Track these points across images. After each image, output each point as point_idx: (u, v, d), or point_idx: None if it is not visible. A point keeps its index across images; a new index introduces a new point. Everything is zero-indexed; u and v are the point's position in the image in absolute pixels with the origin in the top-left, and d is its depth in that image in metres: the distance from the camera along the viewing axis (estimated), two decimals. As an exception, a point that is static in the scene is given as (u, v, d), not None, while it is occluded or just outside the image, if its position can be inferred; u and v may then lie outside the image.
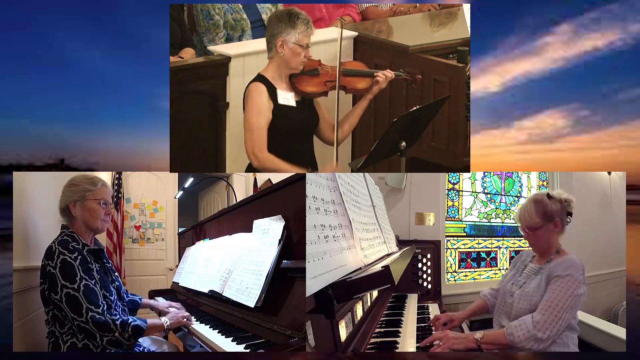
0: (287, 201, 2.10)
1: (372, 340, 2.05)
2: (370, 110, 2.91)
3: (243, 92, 2.60)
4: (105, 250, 2.17)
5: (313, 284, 1.32)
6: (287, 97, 2.57)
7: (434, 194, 4.02)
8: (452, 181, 4.31)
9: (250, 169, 2.61)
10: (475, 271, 4.44)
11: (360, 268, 1.64)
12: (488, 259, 4.57)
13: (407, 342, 2.06)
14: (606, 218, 5.16)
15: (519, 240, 4.83)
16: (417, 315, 2.66)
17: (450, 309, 3.23)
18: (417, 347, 1.99)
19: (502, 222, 4.74)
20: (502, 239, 4.70)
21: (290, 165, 2.53)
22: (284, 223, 2.09)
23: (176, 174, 5.94)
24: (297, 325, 1.74)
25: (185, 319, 2.22)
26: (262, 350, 1.76)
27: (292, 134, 2.59)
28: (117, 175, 5.43)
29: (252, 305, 1.98)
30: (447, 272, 4.19)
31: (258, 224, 2.31)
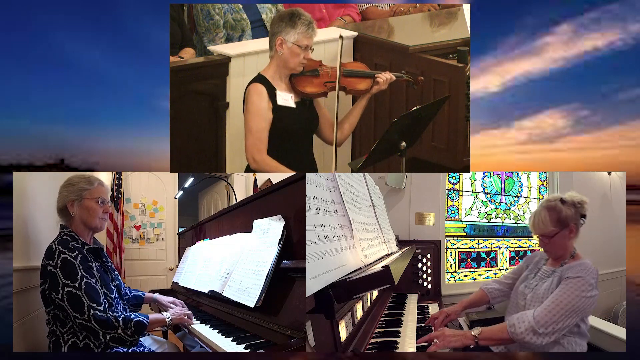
0: (287, 201, 2.10)
1: (372, 340, 2.05)
2: (370, 110, 2.92)
3: (243, 92, 2.60)
4: (104, 249, 2.17)
5: (313, 284, 1.32)
6: (286, 98, 2.57)
7: (434, 194, 4.02)
8: (452, 181, 4.31)
9: (250, 169, 2.61)
10: (475, 271, 4.44)
11: (360, 268, 1.64)
12: (488, 259, 4.57)
13: (407, 342, 2.06)
14: (606, 218, 5.16)
15: (519, 240, 4.83)
16: (417, 315, 2.66)
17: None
18: (417, 347, 1.99)
19: (502, 222, 4.74)
20: (502, 239, 4.70)
21: (287, 170, 2.53)
22: (284, 223, 2.09)
23: (176, 174, 5.94)
24: (297, 325, 1.74)
25: (187, 316, 2.22)
26: (262, 350, 1.76)
27: (291, 135, 2.59)
28: (117, 175, 5.43)
29: (252, 305, 1.98)
30: (447, 272, 4.19)
31: (258, 224, 2.31)
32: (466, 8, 3.18)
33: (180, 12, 3.22)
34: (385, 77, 2.65)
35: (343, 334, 1.67)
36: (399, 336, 2.14)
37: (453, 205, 4.32)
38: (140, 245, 5.98)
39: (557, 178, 5.05)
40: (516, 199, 4.89)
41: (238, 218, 2.82)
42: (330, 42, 2.99)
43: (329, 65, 2.64)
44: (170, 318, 2.14)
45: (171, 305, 2.45)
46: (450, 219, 4.27)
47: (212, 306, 2.59)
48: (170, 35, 3.13)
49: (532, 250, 4.92)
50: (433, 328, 2.32)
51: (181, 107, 2.85)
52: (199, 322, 2.33)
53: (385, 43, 3.08)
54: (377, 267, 1.45)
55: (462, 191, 4.39)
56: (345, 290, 1.41)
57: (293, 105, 2.59)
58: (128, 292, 2.45)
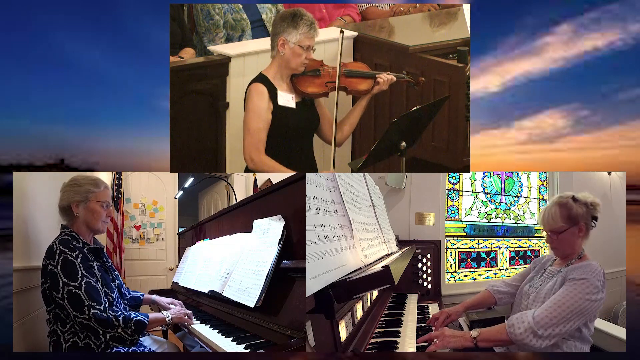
0: (287, 201, 2.10)
1: (372, 340, 2.05)
2: (370, 110, 2.91)
3: (243, 91, 2.60)
4: (105, 249, 2.18)
5: (313, 284, 1.32)
6: (287, 99, 2.57)
7: (434, 194, 4.02)
8: (452, 181, 4.31)
9: (250, 169, 2.61)
10: (475, 271, 4.44)
11: (360, 268, 1.64)
12: (488, 259, 4.57)
13: (407, 342, 2.05)
14: (606, 218, 5.14)
15: (519, 240, 4.84)
16: (417, 315, 2.66)
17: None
18: (417, 347, 1.99)
19: (502, 222, 4.74)
20: (502, 239, 4.70)
21: (285, 169, 2.53)
22: (284, 223, 2.09)
23: (176, 174, 5.94)
24: (297, 325, 1.74)
25: (186, 316, 2.22)
26: (262, 350, 1.76)
27: (291, 135, 2.59)
28: (117, 175, 5.43)
29: (252, 305, 1.98)
30: (447, 272, 4.19)
31: (258, 224, 2.31)
32: (466, 8, 3.18)
33: (180, 12, 3.22)
34: (386, 77, 2.65)
35: (343, 334, 1.67)
36: (399, 336, 2.14)
37: (453, 205, 4.32)
38: (140, 245, 5.98)
39: (557, 178, 5.06)
40: (516, 199, 4.89)
41: (238, 218, 2.82)
42: (330, 42, 2.99)
43: (330, 66, 2.64)
44: (170, 317, 2.14)
45: (170, 305, 2.46)
46: (450, 219, 4.27)
47: (212, 306, 2.59)
48: (170, 35, 3.13)
49: (532, 251, 4.92)
50: (433, 328, 2.32)
51: (181, 107, 2.85)
52: (199, 322, 2.33)
53: (385, 43, 3.08)
54: (377, 267, 1.45)
55: (462, 191, 4.39)
56: (345, 290, 1.41)
57: (294, 105, 2.59)
58: (127, 293, 2.45)
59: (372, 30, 3.24)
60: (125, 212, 5.65)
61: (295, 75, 2.59)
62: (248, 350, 1.76)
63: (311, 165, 2.68)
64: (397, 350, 1.96)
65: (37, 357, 2.24)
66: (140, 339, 2.13)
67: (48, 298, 1.92)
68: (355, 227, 1.75)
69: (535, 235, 4.96)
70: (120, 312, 1.92)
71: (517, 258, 4.79)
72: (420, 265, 3.52)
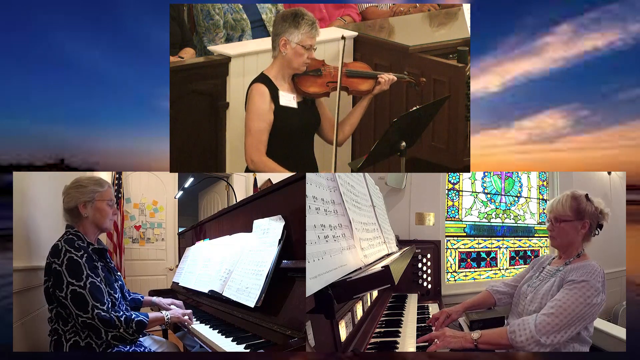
0: (287, 201, 2.10)
1: (372, 340, 2.05)
2: (370, 110, 2.91)
3: (243, 91, 2.60)
4: (108, 250, 2.20)
5: (313, 284, 1.32)
6: (288, 99, 2.57)
7: (434, 194, 4.02)
8: (452, 181, 4.31)
9: (250, 169, 2.61)
10: (475, 271, 4.44)
11: (360, 268, 1.64)
12: (488, 259, 4.57)
13: (407, 342, 2.06)
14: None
15: (519, 240, 4.83)
16: (417, 315, 2.66)
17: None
18: (417, 347, 1.99)
19: (502, 222, 4.74)
20: (502, 239, 4.70)
21: (285, 171, 2.53)
22: (284, 223, 2.09)
23: (176, 174, 5.94)
24: (297, 325, 1.74)
25: (186, 316, 2.24)
26: (262, 350, 1.76)
27: (293, 135, 2.59)
28: (117, 175, 5.43)
29: (252, 305, 1.98)
30: (447, 272, 4.19)
31: (258, 224, 2.31)
32: (466, 8, 3.18)
33: (180, 12, 3.22)
34: (387, 77, 2.65)
35: (343, 334, 1.67)
36: (399, 336, 2.14)
37: (453, 205, 4.32)
38: (140, 245, 5.98)
39: (557, 178, 5.06)
40: (516, 199, 4.89)
41: (238, 218, 2.82)
42: (330, 42, 2.99)
43: (332, 65, 2.64)
44: (169, 316, 2.17)
45: (171, 306, 2.48)
46: (450, 219, 4.27)
47: (212, 306, 2.59)
48: (170, 35, 3.13)
49: (532, 251, 4.92)
50: (433, 328, 2.32)
51: (181, 107, 2.85)
52: (199, 322, 2.33)
53: (385, 43, 3.08)
54: (377, 267, 1.45)
55: (462, 191, 4.39)
56: (345, 290, 1.41)
57: (295, 105, 2.59)
58: (127, 295, 2.46)
59: (372, 30, 3.24)
60: (125, 212, 5.65)
61: (296, 75, 2.58)
62: (248, 350, 1.76)
63: (312, 165, 2.68)
64: (397, 350, 1.96)
65: (37, 357, 2.24)
66: (141, 339, 2.15)
67: (51, 296, 1.93)
68: (355, 227, 1.75)
69: (535, 235, 4.96)
70: (122, 313, 1.94)
71: (517, 258, 4.79)
72: (420, 265, 3.52)
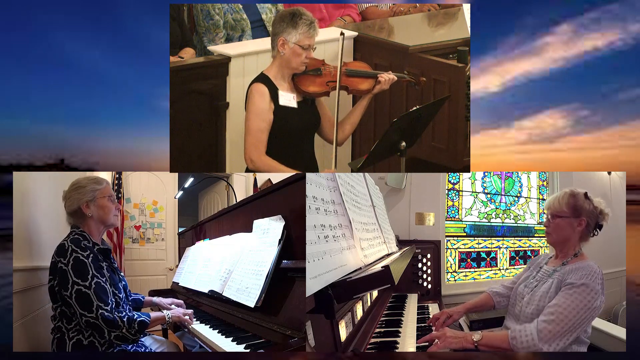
0: (287, 201, 2.10)
1: (372, 340, 2.05)
2: (370, 110, 2.91)
3: (243, 91, 2.60)
4: (111, 250, 2.22)
5: (313, 284, 1.32)
6: (288, 99, 2.57)
7: (434, 194, 4.02)
8: (452, 181, 4.31)
9: (250, 169, 2.61)
10: (475, 271, 4.44)
11: (360, 268, 1.64)
12: (488, 259, 4.57)
13: (407, 342, 2.05)
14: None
15: (519, 240, 4.84)
16: (417, 315, 2.66)
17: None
18: (417, 347, 1.99)
19: (502, 222, 4.74)
20: (502, 239, 4.70)
21: (285, 168, 2.53)
22: (284, 223, 2.09)
23: (176, 174, 5.94)
24: (297, 325, 1.74)
25: (186, 315, 2.25)
26: (262, 350, 1.76)
27: (292, 135, 2.59)
28: (117, 175, 5.43)
29: (252, 305, 1.98)
30: (447, 272, 4.19)
31: (258, 224, 2.31)
32: (466, 8, 3.18)
33: (180, 12, 3.22)
34: (387, 77, 2.65)
35: (343, 334, 1.67)
36: (399, 336, 2.14)
37: (453, 205, 4.32)
38: (140, 245, 5.98)
39: (557, 178, 5.06)
40: (516, 199, 4.89)
41: (238, 218, 2.82)
42: (330, 42, 2.99)
43: (332, 65, 2.64)
44: (169, 315, 2.19)
45: (172, 306, 2.50)
46: (450, 219, 4.27)
47: (212, 306, 2.59)
48: (170, 35, 3.13)
49: (532, 251, 4.92)
50: (434, 328, 2.32)
51: (181, 107, 2.85)
52: (199, 322, 2.33)
53: (385, 43, 3.08)
54: (377, 267, 1.45)
55: (462, 191, 4.39)
56: (345, 290, 1.41)
57: (295, 105, 2.59)
58: (129, 296, 2.47)
59: (372, 30, 3.24)
60: (125, 212, 5.65)
61: (296, 74, 2.58)
62: (248, 350, 1.76)
63: (312, 165, 2.68)
64: (397, 350, 1.96)
65: (37, 357, 2.24)
66: (141, 339, 2.16)
67: (55, 295, 1.95)
68: (355, 227, 1.75)
69: (535, 235, 4.96)
70: (124, 313, 1.95)
71: (517, 258, 4.79)
72: (420, 265, 3.52)
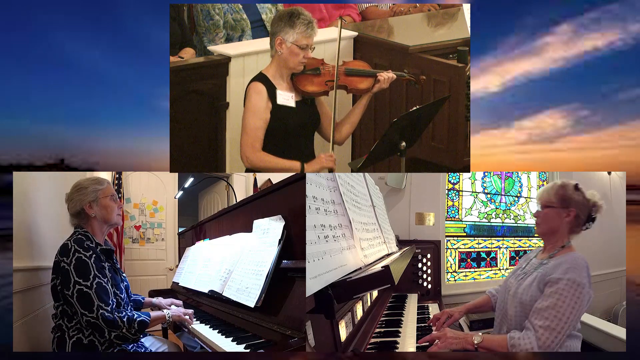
0: (287, 201, 2.10)
1: (372, 340, 2.05)
2: (370, 110, 2.91)
3: (243, 91, 2.60)
4: (114, 251, 2.22)
5: (313, 284, 1.32)
6: (286, 98, 2.57)
7: (434, 194, 4.02)
8: (452, 181, 4.31)
9: (251, 169, 2.61)
10: (475, 271, 4.44)
11: (360, 268, 1.64)
12: (488, 259, 4.57)
13: (407, 342, 2.06)
14: (606, 218, 5.15)
15: (519, 240, 4.84)
16: (417, 315, 2.66)
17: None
18: (418, 347, 1.99)
19: (502, 222, 4.74)
20: (502, 239, 4.70)
21: (281, 160, 2.53)
22: (284, 223, 2.09)
23: (176, 174, 5.94)
24: (297, 325, 1.74)
25: (186, 315, 2.26)
26: (262, 350, 1.76)
27: (291, 134, 2.59)
28: (117, 175, 5.43)
29: (252, 305, 1.98)
30: (447, 272, 4.19)
31: (258, 224, 2.31)
32: (466, 8, 3.18)
33: (180, 12, 3.22)
34: (386, 75, 2.64)
35: (343, 334, 1.67)
36: (399, 336, 2.14)
37: (453, 205, 4.32)
38: (140, 245, 5.98)
39: (557, 178, 5.06)
40: (516, 199, 4.89)
41: (238, 218, 2.82)
42: (330, 42, 2.99)
43: (331, 64, 2.64)
44: (170, 314, 2.20)
45: (172, 306, 2.50)
46: (450, 219, 4.27)
47: (212, 306, 2.59)
48: (170, 35, 3.13)
49: (532, 251, 4.92)
50: (434, 328, 2.32)
51: (181, 107, 2.85)
52: (199, 322, 2.33)
53: (385, 43, 3.08)
54: (377, 267, 1.45)
55: (462, 191, 4.39)
56: (345, 290, 1.41)
57: (293, 104, 2.58)
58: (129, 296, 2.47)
59: (372, 30, 3.24)
60: (125, 212, 5.65)
61: (295, 74, 2.58)
62: (248, 350, 1.76)
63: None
64: (397, 350, 1.96)
65: (37, 357, 2.25)
66: (142, 339, 2.16)
67: (58, 294, 1.95)
68: (355, 227, 1.75)
69: (535, 235, 4.96)
70: (124, 313, 1.96)
71: (517, 258, 4.79)
72: (420, 265, 3.52)
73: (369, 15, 3.63)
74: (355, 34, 3.13)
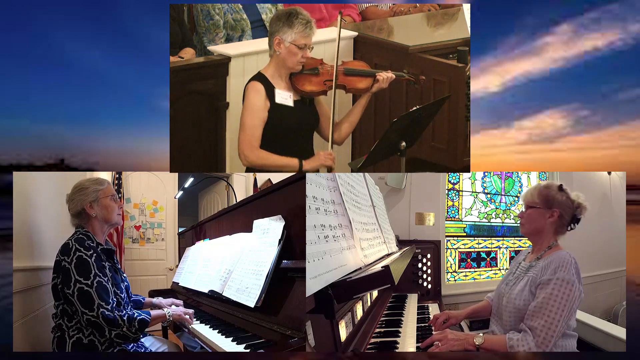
0: (287, 201, 2.10)
1: (372, 340, 2.05)
2: (370, 110, 2.91)
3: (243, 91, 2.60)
4: (115, 251, 2.23)
5: (313, 284, 1.32)
6: (284, 97, 2.57)
7: (434, 194, 4.02)
8: (452, 181, 4.31)
9: (250, 168, 2.61)
10: (475, 271, 4.44)
11: (360, 268, 1.64)
12: (488, 259, 4.57)
13: (407, 342, 2.06)
14: (606, 218, 5.16)
15: (519, 240, 4.84)
16: (417, 315, 2.66)
17: (450, 309, 3.23)
18: (417, 347, 1.99)
19: (502, 222, 4.74)
20: (502, 239, 4.70)
21: (279, 157, 2.53)
22: (284, 223, 2.09)
23: (176, 174, 5.94)
24: (297, 325, 1.74)
25: (187, 314, 2.26)
26: (262, 350, 1.76)
27: (289, 134, 2.59)
28: (117, 175, 5.43)
29: (252, 305, 1.98)
30: (447, 272, 4.19)
31: (258, 224, 2.31)
32: (466, 8, 3.18)
33: (180, 12, 3.22)
34: (385, 75, 2.64)
35: (343, 334, 1.67)
36: (399, 336, 2.14)
37: (453, 205, 4.32)
38: (140, 245, 5.98)
39: (557, 178, 5.05)
40: (516, 199, 4.89)
41: (238, 218, 2.82)
42: (329, 42, 2.99)
43: (330, 64, 2.64)
44: (170, 313, 2.21)
45: (172, 306, 2.49)
46: (450, 219, 4.27)
47: (212, 306, 2.59)
48: (170, 35, 3.13)
49: (520, 252, 4.92)
50: (434, 328, 2.32)
51: (181, 107, 2.85)
52: (199, 322, 2.34)
53: (385, 43, 3.08)
54: (377, 267, 1.45)
55: (462, 191, 4.39)
56: (345, 290, 1.41)
57: (291, 103, 2.58)
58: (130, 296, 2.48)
59: (372, 30, 3.24)
60: (125, 212, 5.65)
61: (294, 73, 2.58)
62: (248, 350, 1.76)
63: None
64: (397, 350, 1.96)
65: (37, 357, 2.25)
66: (142, 339, 2.16)
67: (58, 293, 1.96)
68: (355, 227, 1.75)
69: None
70: (124, 312, 1.96)
71: (517, 258, 4.79)
72: (420, 265, 3.52)
73: (369, 15, 3.63)
74: (355, 34, 3.13)
